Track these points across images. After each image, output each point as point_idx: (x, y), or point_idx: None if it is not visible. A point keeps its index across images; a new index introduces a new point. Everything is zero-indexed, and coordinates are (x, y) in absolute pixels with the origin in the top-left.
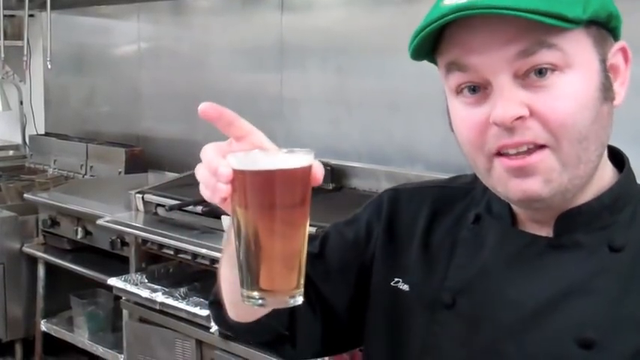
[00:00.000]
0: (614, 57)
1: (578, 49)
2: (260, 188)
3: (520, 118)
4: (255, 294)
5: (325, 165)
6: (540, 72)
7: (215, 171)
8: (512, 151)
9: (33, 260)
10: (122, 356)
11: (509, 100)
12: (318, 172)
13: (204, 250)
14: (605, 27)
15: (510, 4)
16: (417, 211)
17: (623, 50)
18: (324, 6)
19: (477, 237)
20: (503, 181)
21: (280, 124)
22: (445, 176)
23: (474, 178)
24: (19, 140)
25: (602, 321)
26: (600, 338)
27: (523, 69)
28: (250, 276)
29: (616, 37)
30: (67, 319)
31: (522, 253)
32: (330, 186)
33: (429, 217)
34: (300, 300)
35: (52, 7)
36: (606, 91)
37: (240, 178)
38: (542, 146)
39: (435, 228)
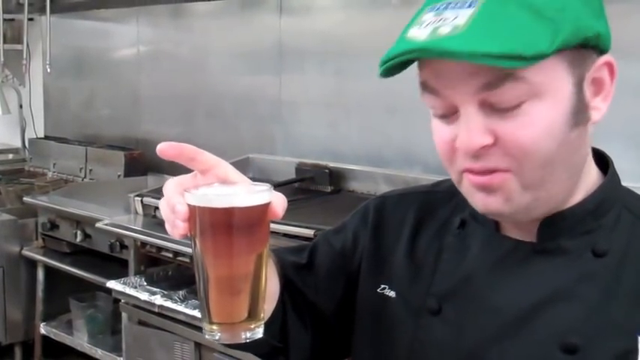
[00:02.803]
0: (599, 71)
1: (547, 78)
2: (215, 226)
3: (485, 146)
4: (211, 327)
5: (324, 167)
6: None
7: (173, 208)
8: (476, 169)
9: (32, 263)
10: (121, 359)
11: (473, 129)
12: (278, 208)
13: None
14: (583, 45)
15: (464, 49)
16: (403, 217)
17: (609, 65)
18: (322, 9)
19: (462, 242)
20: (470, 194)
21: (279, 127)
22: (442, 178)
23: None
24: (18, 144)
25: (585, 326)
26: (583, 343)
27: (488, 100)
28: (205, 309)
29: (602, 51)
30: (66, 322)
31: (506, 258)
32: (329, 188)
33: (414, 223)
34: (259, 334)
35: (52, 11)
36: (578, 115)
37: (197, 216)
38: (505, 170)
39: (420, 234)
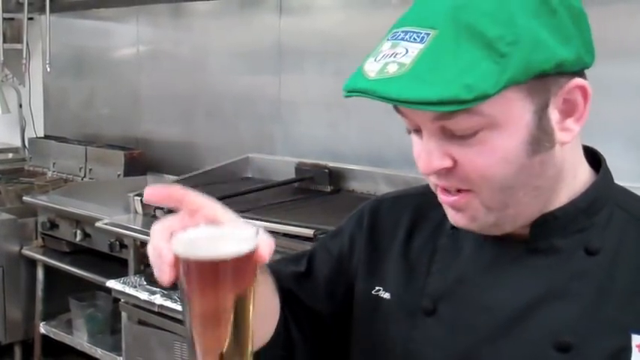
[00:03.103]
0: (570, 94)
1: (501, 110)
2: (201, 274)
3: (445, 168)
4: None
5: (323, 167)
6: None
7: (159, 253)
8: (441, 186)
9: (32, 263)
10: (121, 358)
11: (432, 152)
12: (265, 251)
13: None
14: (548, 72)
15: (402, 96)
16: (398, 219)
17: (582, 88)
18: (322, 9)
19: (455, 243)
20: (444, 208)
21: (278, 127)
22: None
23: None
24: (18, 143)
25: (579, 325)
26: (577, 342)
27: (445, 128)
28: (193, 348)
29: (576, 73)
30: (66, 322)
31: (499, 258)
32: (328, 188)
33: (409, 225)
34: None
35: (52, 10)
36: (538, 143)
37: (182, 264)
38: (467, 191)
39: (415, 235)
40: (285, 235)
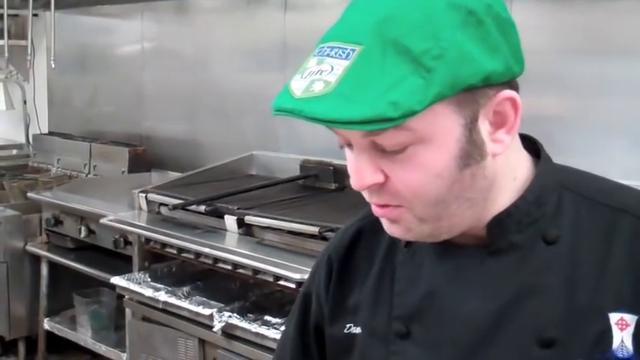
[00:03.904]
0: (500, 105)
1: (429, 125)
2: None
3: (376, 183)
4: None
5: (328, 165)
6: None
7: None
8: (373, 202)
9: (36, 259)
10: (125, 355)
11: (363, 168)
12: None
13: (207, 249)
14: (476, 86)
15: (326, 116)
16: (350, 253)
17: (511, 100)
18: (326, 6)
19: (413, 259)
20: (380, 218)
21: (283, 124)
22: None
23: None
24: (22, 139)
25: (557, 317)
26: (559, 335)
27: (375, 142)
28: None
29: (506, 83)
30: (70, 318)
31: (463, 267)
32: (333, 186)
33: (362, 254)
34: None
35: (56, 7)
36: (469, 156)
37: None
38: (397, 206)
39: (373, 258)
40: (290, 232)
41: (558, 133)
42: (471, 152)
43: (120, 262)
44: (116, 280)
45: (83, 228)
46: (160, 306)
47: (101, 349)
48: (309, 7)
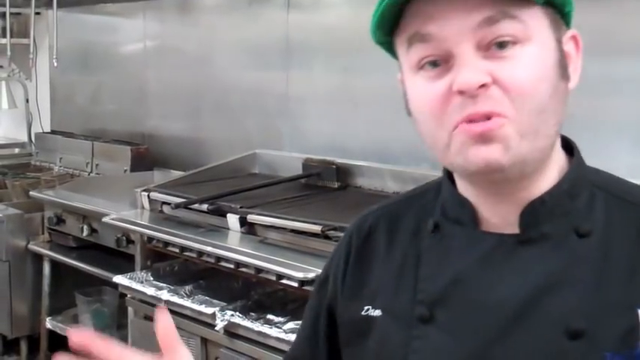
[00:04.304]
0: (567, 44)
1: (537, 26)
2: None
3: (484, 85)
4: None
5: (331, 163)
6: (501, 45)
7: None
8: (474, 114)
9: (38, 258)
10: None
11: (472, 68)
12: None
13: (209, 248)
14: (560, 12)
15: None
16: (373, 236)
17: (574, 38)
18: (330, 4)
19: (440, 244)
20: (463, 151)
21: (286, 123)
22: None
23: (423, 188)
24: (25, 138)
25: (586, 309)
26: (587, 326)
27: (486, 39)
28: None
29: (568, 23)
30: (72, 317)
31: (492, 254)
32: (336, 184)
33: (385, 238)
34: None
35: (59, 5)
36: (563, 69)
37: None
38: (502, 116)
39: (394, 246)
40: (293, 231)
41: (564, 131)
42: (564, 66)
43: (122, 261)
44: (118, 278)
45: (85, 227)
46: (163, 305)
47: None
48: (312, 5)
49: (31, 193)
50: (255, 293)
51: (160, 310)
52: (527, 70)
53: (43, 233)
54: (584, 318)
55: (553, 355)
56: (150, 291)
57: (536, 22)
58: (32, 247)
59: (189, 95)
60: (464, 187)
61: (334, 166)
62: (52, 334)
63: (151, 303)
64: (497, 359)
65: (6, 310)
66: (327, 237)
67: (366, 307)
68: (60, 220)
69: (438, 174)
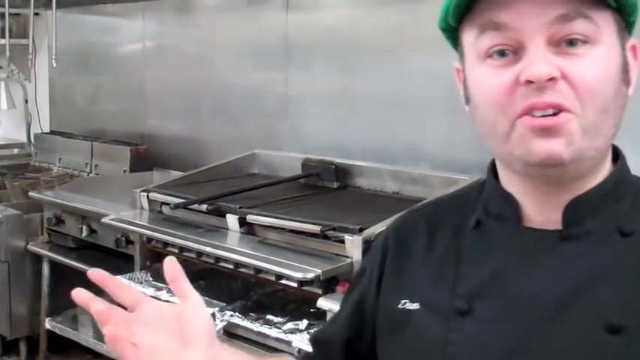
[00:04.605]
0: (628, 52)
1: (606, 29)
2: None
3: (552, 79)
4: None
5: (330, 164)
6: (572, 42)
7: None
8: (538, 113)
9: (38, 258)
10: None
11: (544, 60)
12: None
13: (208, 249)
14: (625, 20)
15: None
16: (414, 233)
17: (634, 48)
18: (329, 5)
19: (481, 241)
20: (525, 143)
21: (285, 123)
22: (449, 174)
23: (466, 189)
24: (24, 138)
25: (625, 306)
26: (627, 323)
27: (558, 35)
28: None
29: (630, 32)
30: (71, 317)
31: (534, 249)
32: (335, 185)
33: (427, 234)
34: None
35: (58, 6)
36: (625, 74)
37: None
38: (567, 111)
39: (435, 242)
40: (292, 231)
41: None
42: (627, 71)
43: (121, 262)
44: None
45: (85, 227)
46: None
47: (103, 348)
48: (311, 6)
49: (30, 193)
50: (255, 293)
51: (169, 258)
52: (595, 69)
53: (42, 234)
54: (623, 314)
55: (592, 348)
56: (149, 291)
57: (605, 25)
58: (31, 247)
59: (189, 95)
60: (509, 183)
61: (333, 166)
62: (51, 334)
63: None
64: (536, 352)
65: (5, 311)
66: (326, 237)
67: (403, 301)
68: (59, 221)
69: (436, 174)
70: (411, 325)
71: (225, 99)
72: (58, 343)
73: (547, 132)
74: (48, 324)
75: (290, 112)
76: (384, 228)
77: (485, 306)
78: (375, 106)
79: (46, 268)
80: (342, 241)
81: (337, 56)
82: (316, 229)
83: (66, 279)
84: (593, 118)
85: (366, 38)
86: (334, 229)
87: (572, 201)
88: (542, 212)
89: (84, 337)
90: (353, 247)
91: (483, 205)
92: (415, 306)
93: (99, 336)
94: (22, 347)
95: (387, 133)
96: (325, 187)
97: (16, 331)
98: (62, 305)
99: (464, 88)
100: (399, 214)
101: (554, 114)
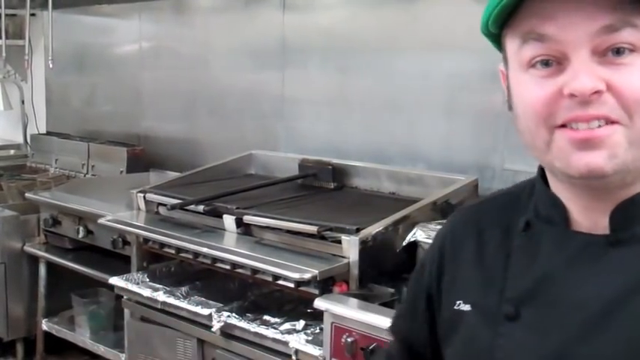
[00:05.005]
0: None
1: None
2: None
3: (597, 92)
4: None
5: (327, 164)
6: (618, 51)
7: None
8: (582, 126)
9: (34, 259)
10: (123, 355)
11: (589, 73)
12: None
13: (205, 249)
14: None
15: None
16: (467, 233)
17: None
18: (325, 6)
19: (530, 243)
20: (564, 155)
21: (282, 124)
22: (446, 175)
23: (517, 187)
24: (20, 139)
25: None
26: None
27: (603, 46)
28: None
29: None
30: (68, 319)
31: (582, 254)
32: (332, 185)
33: (477, 235)
34: None
35: (54, 6)
36: None
37: None
38: (613, 122)
39: (486, 242)
40: (289, 231)
41: None
42: None
43: (118, 263)
44: (114, 280)
45: (81, 228)
46: (159, 306)
47: (100, 349)
48: (307, 6)
49: (26, 194)
50: (252, 294)
51: None
52: None
53: (38, 235)
54: None
55: (636, 357)
56: (146, 292)
57: None
58: (28, 248)
59: (185, 96)
60: (556, 188)
61: (330, 167)
62: (48, 335)
63: (148, 304)
64: (582, 357)
65: (2, 312)
66: (323, 237)
67: (458, 302)
68: (56, 222)
69: (433, 174)
70: (463, 326)
71: (222, 100)
72: (54, 344)
73: (587, 144)
74: (45, 325)
75: (287, 113)
76: (381, 228)
77: (532, 311)
78: (371, 107)
79: (42, 269)
80: (339, 242)
81: (334, 57)
82: (313, 229)
83: (63, 280)
84: None
85: (363, 39)
86: (331, 229)
87: (618, 206)
88: (589, 217)
89: (81, 338)
90: (350, 247)
91: (534, 207)
92: (467, 307)
93: (95, 337)
94: (19, 348)
95: (384, 134)
96: (322, 187)
97: (12, 332)
98: (59, 306)
99: (507, 94)
100: (448, 218)
101: (599, 126)
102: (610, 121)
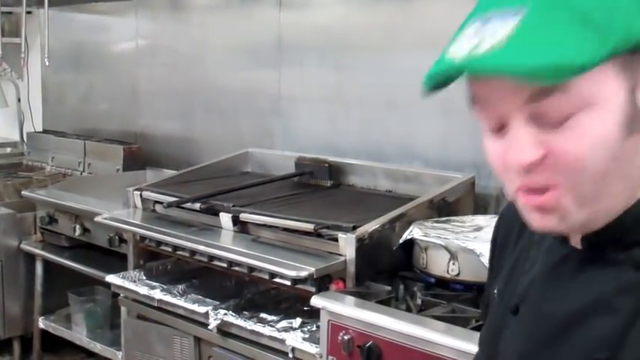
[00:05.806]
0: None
1: (596, 87)
2: None
3: (535, 161)
4: None
5: (323, 162)
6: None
7: None
8: (529, 185)
9: (31, 257)
10: (120, 353)
11: (522, 143)
12: None
13: (202, 247)
14: (638, 51)
15: (501, 63)
16: (512, 224)
17: None
18: (322, 3)
19: (541, 242)
20: (525, 213)
21: (278, 122)
22: (443, 173)
23: None
24: (16, 137)
25: (616, 341)
26: (612, 357)
27: (537, 112)
28: None
29: None
30: (65, 316)
31: (561, 265)
32: (329, 183)
33: (520, 226)
34: None
35: (50, 4)
36: (632, 124)
37: None
38: (555, 189)
39: (523, 235)
40: (285, 229)
41: None
42: (635, 119)
43: (115, 261)
44: (111, 278)
45: (78, 226)
46: (156, 304)
47: (96, 347)
48: (303, 4)
49: (23, 192)
50: (249, 292)
51: None
52: (583, 143)
53: (35, 233)
54: (610, 350)
55: None
56: (143, 290)
57: (596, 83)
58: (24, 246)
59: (182, 94)
60: None
61: (327, 165)
62: (44, 333)
63: (144, 302)
64: None
65: None
66: (319, 235)
67: (495, 287)
68: (52, 220)
69: (430, 172)
70: (491, 311)
71: (218, 98)
72: (51, 342)
73: (540, 209)
74: (41, 323)
75: (283, 111)
76: (377, 226)
77: (523, 310)
78: (368, 105)
79: (39, 267)
80: (336, 240)
81: (330, 55)
82: (310, 227)
83: (59, 278)
84: (589, 188)
85: (359, 37)
86: (328, 227)
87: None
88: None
89: (77, 335)
90: (346, 245)
91: None
92: (495, 293)
93: (92, 335)
94: (16, 346)
95: (381, 132)
96: (318, 185)
97: (9, 330)
98: (55, 304)
99: None
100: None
101: (545, 190)
102: (551, 189)
